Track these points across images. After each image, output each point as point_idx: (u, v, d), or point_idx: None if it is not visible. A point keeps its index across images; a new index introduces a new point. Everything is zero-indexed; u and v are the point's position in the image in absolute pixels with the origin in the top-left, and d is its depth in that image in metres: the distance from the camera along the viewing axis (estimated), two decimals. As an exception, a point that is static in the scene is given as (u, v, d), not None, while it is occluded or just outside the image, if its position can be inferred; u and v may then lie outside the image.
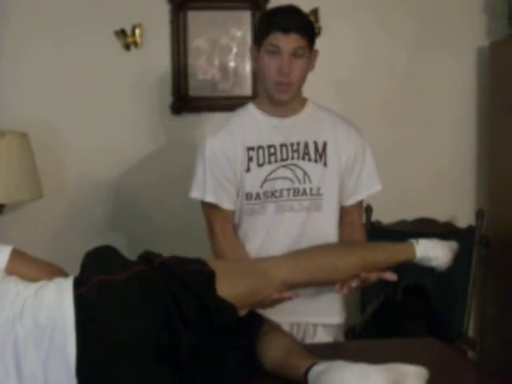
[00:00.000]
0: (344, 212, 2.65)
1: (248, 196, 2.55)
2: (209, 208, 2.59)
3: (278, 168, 2.54)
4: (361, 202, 2.70)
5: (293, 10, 2.48)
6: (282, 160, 2.54)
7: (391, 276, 2.47)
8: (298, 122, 2.58)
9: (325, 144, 2.57)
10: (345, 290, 2.41)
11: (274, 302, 2.28)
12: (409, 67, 3.82)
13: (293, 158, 2.55)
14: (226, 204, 2.57)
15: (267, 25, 2.46)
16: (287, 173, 2.54)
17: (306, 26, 2.47)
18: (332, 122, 2.62)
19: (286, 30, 2.40)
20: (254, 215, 2.56)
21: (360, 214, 2.74)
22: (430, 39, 3.80)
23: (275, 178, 2.54)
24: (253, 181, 2.54)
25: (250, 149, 2.54)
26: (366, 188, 2.66)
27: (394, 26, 3.78)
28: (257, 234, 2.58)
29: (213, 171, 2.54)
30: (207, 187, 2.55)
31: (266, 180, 2.54)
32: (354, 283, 2.39)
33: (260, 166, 2.54)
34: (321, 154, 2.56)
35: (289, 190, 2.54)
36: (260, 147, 2.54)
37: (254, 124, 2.58)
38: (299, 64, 2.45)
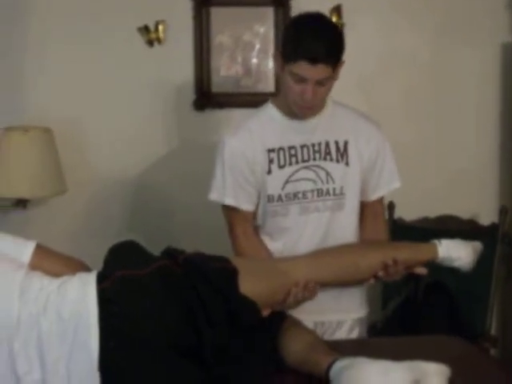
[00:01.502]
0: (366, 206, 2.64)
1: (270, 198, 2.54)
2: (228, 210, 2.59)
3: (299, 169, 2.53)
4: (382, 197, 2.70)
5: (322, 32, 2.36)
6: (303, 161, 2.53)
7: (421, 270, 2.48)
8: (319, 123, 2.54)
9: (346, 143, 2.56)
10: (371, 279, 2.45)
11: (297, 303, 2.28)
12: (432, 62, 3.80)
13: (314, 159, 2.53)
14: (246, 205, 2.56)
15: (294, 49, 2.35)
16: (310, 174, 2.53)
17: (334, 53, 2.37)
18: (352, 120, 2.60)
19: (313, 61, 2.31)
20: (276, 217, 2.56)
21: (382, 206, 2.73)
22: (453, 34, 3.78)
23: (297, 180, 2.53)
24: (274, 183, 2.53)
25: (270, 151, 2.52)
26: (387, 184, 2.65)
27: (417, 21, 3.76)
28: (280, 235, 2.58)
29: (232, 172, 2.53)
30: (226, 189, 2.54)
31: (287, 182, 2.53)
32: (381, 273, 2.41)
33: (281, 167, 2.52)
34: (342, 153, 2.55)
35: (312, 191, 2.53)
36: (281, 148, 2.53)
37: (273, 125, 2.55)
38: (324, 90, 2.40)
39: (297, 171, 2.52)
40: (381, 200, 2.69)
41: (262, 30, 3.69)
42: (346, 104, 2.65)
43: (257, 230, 2.62)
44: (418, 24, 3.76)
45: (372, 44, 3.74)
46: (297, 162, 2.52)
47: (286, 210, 2.54)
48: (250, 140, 2.53)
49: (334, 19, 3.59)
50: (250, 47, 3.70)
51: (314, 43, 2.33)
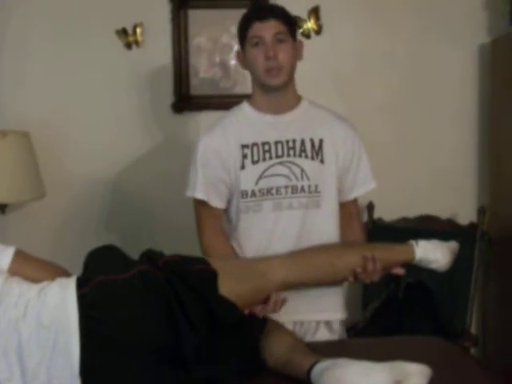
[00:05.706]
0: (340, 207, 2.65)
1: (243, 194, 2.54)
2: (199, 205, 2.61)
3: (273, 165, 2.54)
4: (356, 198, 2.71)
5: (268, 4, 2.63)
6: (278, 157, 2.54)
7: (399, 271, 2.48)
8: (293, 119, 2.58)
9: (321, 141, 2.57)
10: (350, 277, 2.45)
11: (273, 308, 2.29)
12: (410, 64, 3.81)
13: (289, 155, 2.54)
14: (216, 202, 2.58)
15: (245, 20, 2.52)
16: (284, 170, 2.54)
17: (283, 13, 2.52)
18: (328, 120, 2.62)
19: (263, 18, 2.46)
20: (249, 213, 2.56)
21: (356, 206, 2.74)
22: (431, 36, 3.79)
23: (271, 175, 2.54)
24: (248, 178, 2.54)
25: (244, 146, 2.54)
26: (363, 185, 2.67)
27: (394, 23, 3.77)
28: (254, 232, 2.58)
29: (204, 169, 2.55)
30: (197, 184, 2.56)
31: (261, 177, 2.53)
32: (359, 269, 2.40)
33: (255, 163, 2.54)
34: (317, 151, 2.56)
35: (286, 187, 2.54)
36: (254, 144, 2.54)
37: (248, 122, 2.58)
38: (284, 47, 2.47)
39: (271, 167, 2.53)
40: (355, 201, 2.71)
41: (239, 31, 3.69)
42: (321, 105, 2.66)
43: (227, 232, 2.64)
44: (396, 25, 3.77)
45: (350, 45, 3.74)
46: (270, 158, 2.54)
47: (258, 206, 2.55)
48: (223, 137, 2.55)
49: (312, 20, 3.60)
50: (228, 49, 3.69)
51: (261, 7, 2.67)
